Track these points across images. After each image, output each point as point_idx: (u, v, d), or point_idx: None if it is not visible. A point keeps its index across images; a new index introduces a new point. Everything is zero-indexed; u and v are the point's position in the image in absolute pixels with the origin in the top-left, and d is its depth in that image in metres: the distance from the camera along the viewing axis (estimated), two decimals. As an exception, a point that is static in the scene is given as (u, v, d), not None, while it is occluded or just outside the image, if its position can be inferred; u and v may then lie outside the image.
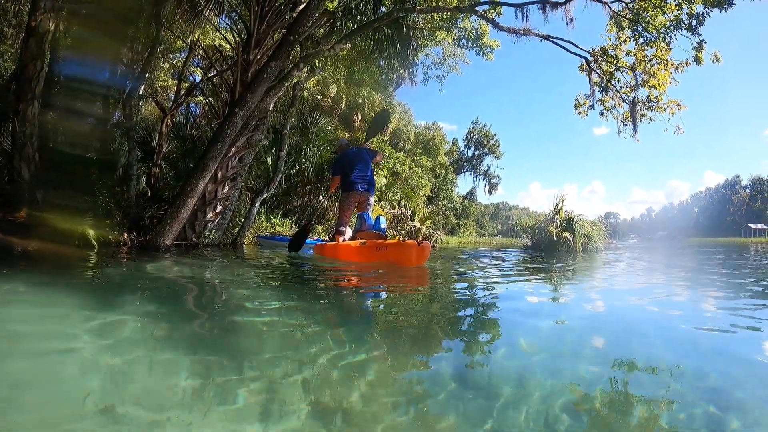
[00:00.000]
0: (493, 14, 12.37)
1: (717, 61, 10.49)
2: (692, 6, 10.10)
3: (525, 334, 2.64)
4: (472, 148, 60.68)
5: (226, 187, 10.27)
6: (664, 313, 3.50)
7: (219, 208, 10.25)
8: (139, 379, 1.69)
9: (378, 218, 6.93)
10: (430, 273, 6.02)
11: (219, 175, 9.87)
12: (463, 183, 72.42)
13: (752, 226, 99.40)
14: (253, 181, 14.61)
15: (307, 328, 2.57)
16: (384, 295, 4.14)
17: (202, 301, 3.51)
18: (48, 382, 1.63)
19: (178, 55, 17.14)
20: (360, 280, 5.10)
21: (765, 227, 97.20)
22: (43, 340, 2.15)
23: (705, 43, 10.35)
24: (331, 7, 11.41)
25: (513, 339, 2.52)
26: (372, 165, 7.64)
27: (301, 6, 10.04)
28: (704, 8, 10.08)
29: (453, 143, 56.80)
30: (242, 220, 12.10)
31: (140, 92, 11.53)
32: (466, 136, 60.84)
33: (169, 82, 17.96)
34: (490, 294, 4.21)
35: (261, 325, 2.65)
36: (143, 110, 16.55)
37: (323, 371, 1.83)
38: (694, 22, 10.16)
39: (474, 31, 14.33)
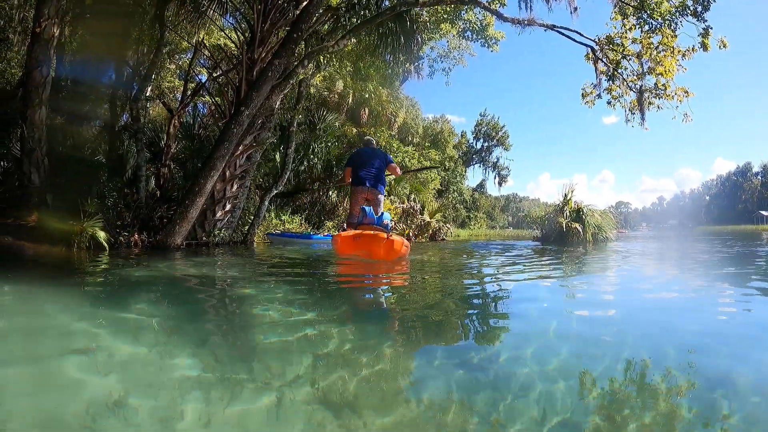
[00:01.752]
0: (497, 5, 12.31)
1: (724, 47, 10.33)
2: (697, -9, 9.92)
3: (529, 329, 2.66)
4: (481, 140, 60.54)
5: (235, 186, 10.33)
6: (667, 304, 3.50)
7: (228, 207, 10.31)
8: (151, 377, 1.72)
9: (382, 214, 6.96)
10: (441, 265, 6.04)
11: (227, 173, 9.93)
12: (473, 175, 72.57)
13: (764, 213, 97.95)
14: (261, 179, 14.66)
15: (316, 325, 2.59)
16: (391, 288, 4.16)
17: (212, 300, 3.53)
18: (63, 380, 1.66)
19: (183, 56, 17.19)
20: (365, 277, 5.10)
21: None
22: (56, 340, 2.20)
23: (711, 28, 10.18)
24: (334, 3, 11.40)
25: (522, 335, 2.53)
26: (384, 166, 7.66)
27: (304, 3, 10.05)
28: (710, -8, 9.90)
29: (462, 136, 56.58)
30: (252, 217, 12.18)
31: (147, 94, 11.62)
32: (475, 129, 60.68)
33: (176, 83, 18.03)
34: (499, 287, 4.23)
35: (270, 323, 2.68)
36: (151, 112, 16.67)
37: (333, 368, 1.85)
38: (699, 8, 10.01)
39: (478, 23, 14.27)
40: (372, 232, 6.07)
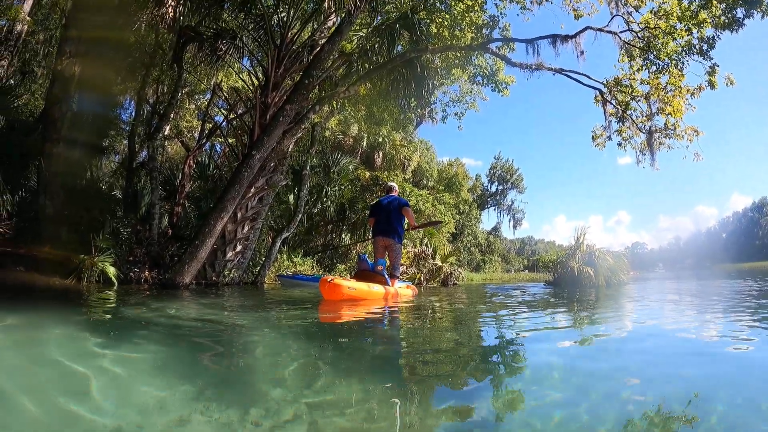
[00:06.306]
0: (506, 50, 12.56)
1: (731, 84, 10.32)
2: (702, 30, 10.05)
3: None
4: (496, 183, 60.86)
5: (246, 227, 10.41)
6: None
7: (239, 248, 10.37)
8: (145, 417, 1.70)
9: (377, 260, 7.70)
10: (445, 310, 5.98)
11: (239, 215, 10.03)
12: (488, 219, 72.32)
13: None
14: (274, 221, 14.76)
15: (319, 374, 2.53)
16: (396, 334, 4.15)
17: (215, 345, 3.43)
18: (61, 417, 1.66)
19: (202, 97, 17.66)
20: (373, 324, 5.01)
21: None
22: (54, 379, 2.19)
23: (718, 66, 10.27)
24: (348, 49, 11.69)
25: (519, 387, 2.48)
26: (399, 213, 8.24)
27: (317, 49, 10.33)
28: (714, 31, 10.00)
29: (476, 179, 56.79)
30: (263, 259, 12.21)
31: (165, 132, 11.89)
32: (489, 172, 61.09)
33: (194, 123, 18.49)
34: (506, 334, 4.18)
35: (270, 370, 2.61)
36: (168, 150, 17.08)
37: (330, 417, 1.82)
38: (705, 46, 10.09)
39: (489, 68, 14.47)
40: (329, 277, 6.49)
